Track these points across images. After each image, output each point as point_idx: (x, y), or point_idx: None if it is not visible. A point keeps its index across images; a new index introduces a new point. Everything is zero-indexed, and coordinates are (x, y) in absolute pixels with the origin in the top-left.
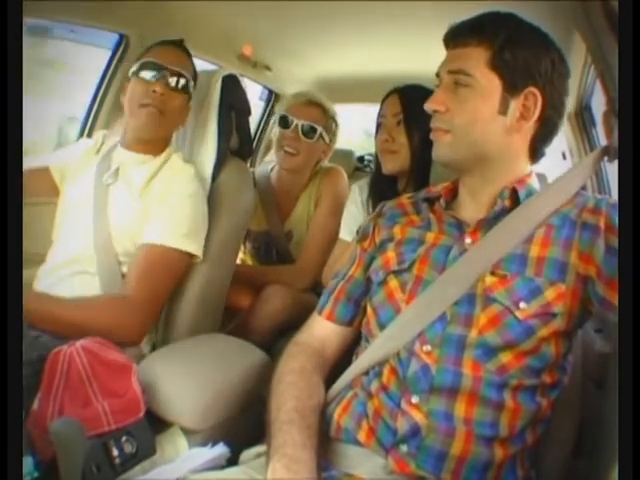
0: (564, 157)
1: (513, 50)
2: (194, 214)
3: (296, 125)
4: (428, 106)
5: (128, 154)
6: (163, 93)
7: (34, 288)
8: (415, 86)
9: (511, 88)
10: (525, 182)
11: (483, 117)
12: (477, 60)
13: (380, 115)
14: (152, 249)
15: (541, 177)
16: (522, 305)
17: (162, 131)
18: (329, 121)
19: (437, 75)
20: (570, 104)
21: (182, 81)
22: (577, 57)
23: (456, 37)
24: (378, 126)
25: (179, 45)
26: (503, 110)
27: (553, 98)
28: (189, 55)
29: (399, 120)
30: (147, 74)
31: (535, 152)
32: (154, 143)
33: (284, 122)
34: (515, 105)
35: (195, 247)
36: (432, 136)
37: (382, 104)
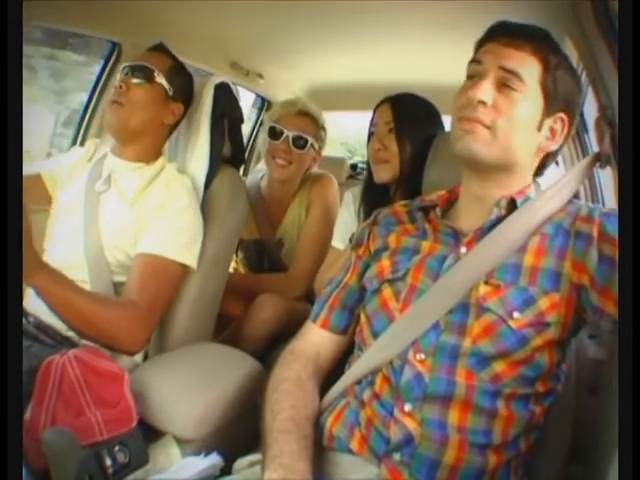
0: (557, 163)
1: (563, 74)
2: (190, 225)
3: (286, 136)
4: (475, 94)
5: (119, 162)
6: (121, 86)
7: (26, 296)
8: (407, 95)
9: (549, 107)
10: (524, 192)
11: (526, 127)
12: (532, 70)
13: (372, 124)
14: (149, 259)
15: (535, 184)
16: (516, 315)
17: (124, 124)
18: (319, 130)
19: (476, 61)
20: None
21: (145, 73)
22: None
23: (510, 35)
24: (370, 135)
25: (159, 48)
26: (539, 126)
27: (572, 129)
28: (170, 56)
29: (390, 128)
30: (119, 76)
31: (542, 168)
32: (139, 147)
33: (274, 133)
34: (547, 125)
35: (190, 258)
36: (466, 126)
37: (374, 113)
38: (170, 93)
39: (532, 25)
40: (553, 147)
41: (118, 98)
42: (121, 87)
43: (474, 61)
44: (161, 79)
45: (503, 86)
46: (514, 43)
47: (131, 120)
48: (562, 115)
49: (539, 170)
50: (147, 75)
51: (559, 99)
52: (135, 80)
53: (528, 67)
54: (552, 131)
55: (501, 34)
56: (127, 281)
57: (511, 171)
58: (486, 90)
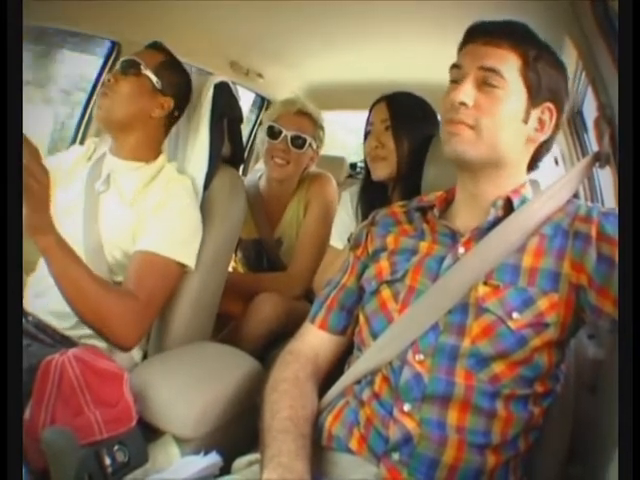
0: (556, 163)
1: (544, 64)
2: (189, 225)
3: (285, 136)
4: (456, 96)
5: (118, 161)
6: (109, 79)
7: (25, 295)
8: (403, 93)
9: (534, 99)
10: (520, 192)
11: (511, 122)
12: (511, 65)
13: (369, 122)
14: (147, 256)
15: (534, 183)
16: (515, 315)
17: (109, 114)
18: (317, 130)
19: (456, 66)
20: None
21: (132, 66)
22: (569, 63)
23: (488, 34)
24: (367, 133)
25: (154, 46)
26: (526, 119)
27: (561, 117)
28: (162, 52)
29: (387, 126)
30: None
31: (534, 162)
32: (133, 143)
33: (272, 133)
34: (534, 116)
35: (188, 258)
36: (450, 129)
37: (370, 111)
38: (158, 86)
39: (509, 20)
40: (543, 137)
41: (105, 90)
42: (109, 80)
43: (454, 66)
44: (147, 72)
45: (484, 84)
46: (493, 41)
47: (116, 110)
48: (549, 105)
49: (533, 162)
50: (134, 68)
51: (543, 90)
52: (122, 72)
53: (508, 63)
54: (540, 122)
55: (480, 34)
56: (124, 278)
57: (502, 166)
58: (466, 91)
